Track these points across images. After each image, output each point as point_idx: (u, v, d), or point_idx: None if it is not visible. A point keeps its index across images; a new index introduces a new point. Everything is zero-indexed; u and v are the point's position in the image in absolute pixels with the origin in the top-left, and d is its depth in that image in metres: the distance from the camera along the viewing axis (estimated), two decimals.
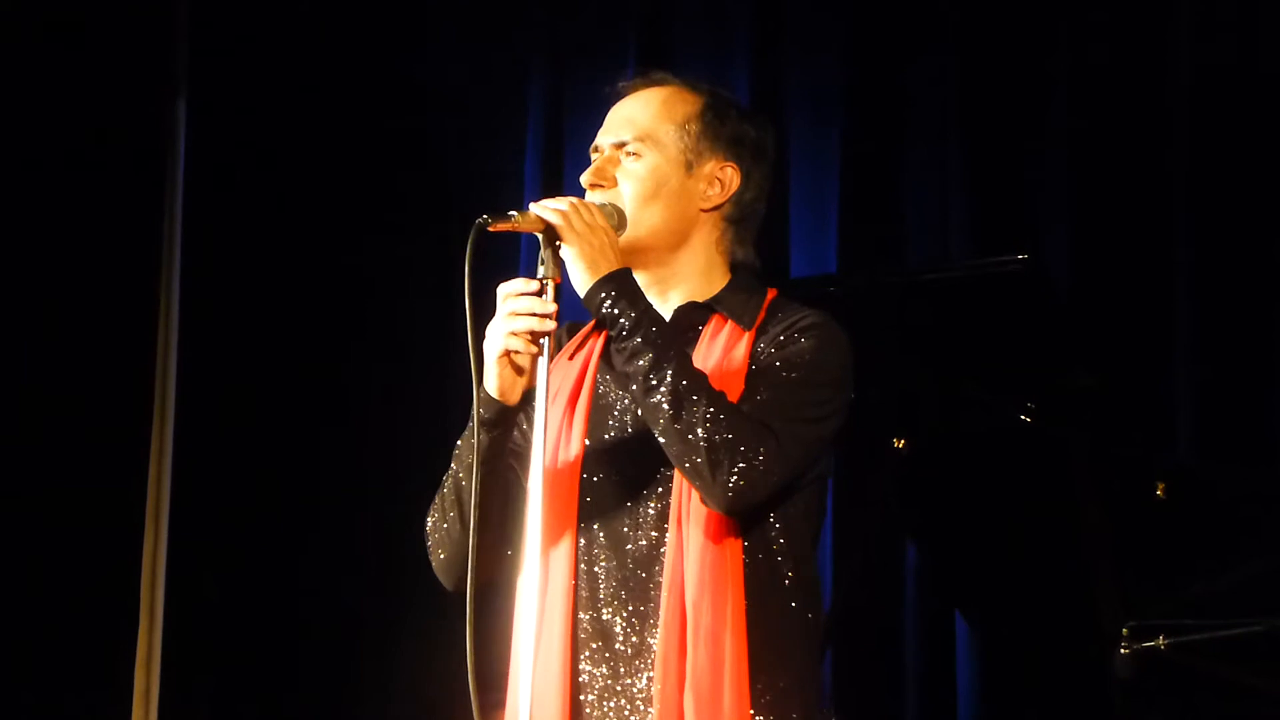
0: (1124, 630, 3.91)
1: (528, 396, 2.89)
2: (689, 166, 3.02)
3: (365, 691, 5.26)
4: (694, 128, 3.03)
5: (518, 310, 2.83)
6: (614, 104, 3.09)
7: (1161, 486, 3.90)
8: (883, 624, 4.96)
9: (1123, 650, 3.90)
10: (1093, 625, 3.96)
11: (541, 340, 2.82)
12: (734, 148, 3.04)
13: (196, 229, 5.38)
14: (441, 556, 3.00)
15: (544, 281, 2.83)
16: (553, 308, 2.82)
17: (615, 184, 3.00)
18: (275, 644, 5.32)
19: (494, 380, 2.87)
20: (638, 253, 2.98)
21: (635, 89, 3.08)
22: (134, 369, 5.30)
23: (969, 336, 4.03)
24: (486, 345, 2.86)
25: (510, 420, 2.91)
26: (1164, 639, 3.89)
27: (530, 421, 2.93)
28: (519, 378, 2.88)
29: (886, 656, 4.99)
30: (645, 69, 3.17)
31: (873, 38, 5.17)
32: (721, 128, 3.04)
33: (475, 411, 2.85)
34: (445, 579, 3.01)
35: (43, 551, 5.10)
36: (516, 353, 2.85)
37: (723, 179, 3.03)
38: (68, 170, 5.21)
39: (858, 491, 4.67)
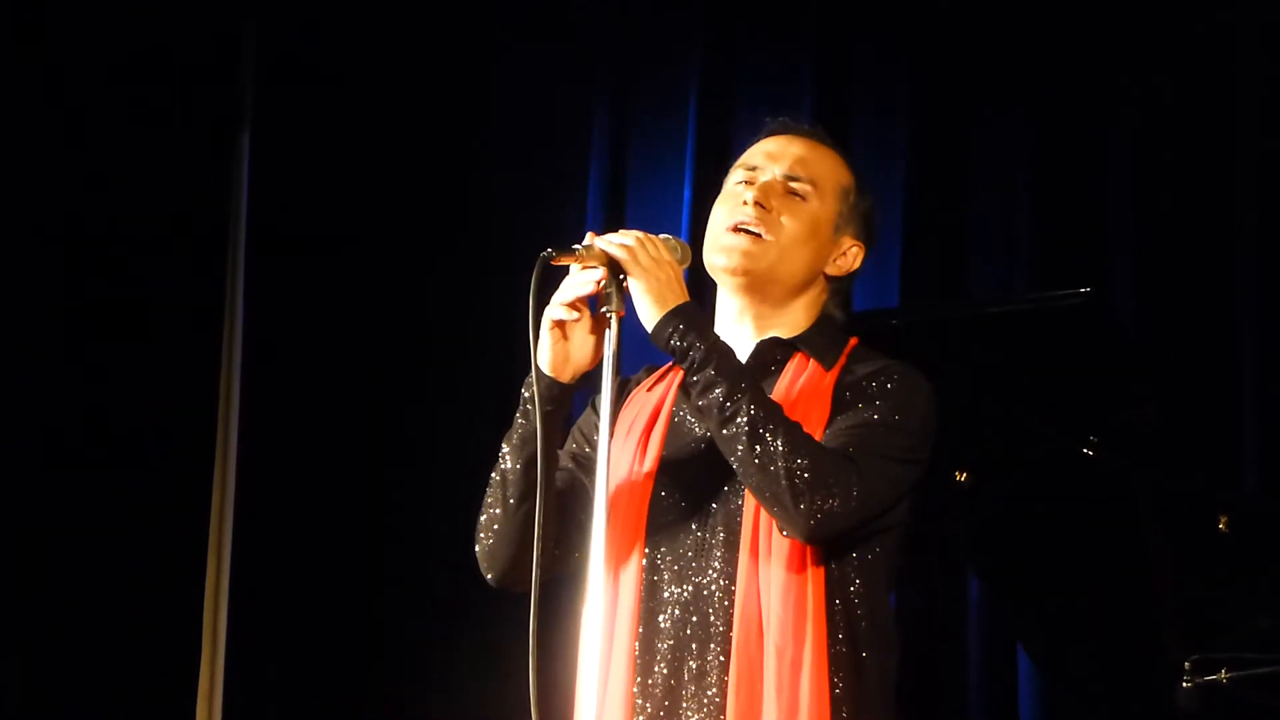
0: (1187, 663, 3.90)
1: (584, 379, 2.94)
2: (836, 230, 3.08)
3: None
4: (851, 199, 3.10)
5: (570, 283, 2.89)
6: (774, 134, 3.14)
7: (1224, 520, 3.88)
8: (946, 658, 4.95)
9: (1185, 683, 3.89)
10: (1156, 658, 3.95)
11: (604, 311, 2.86)
12: (865, 229, 3.12)
13: (260, 260, 5.44)
14: (484, 540, 3.01)
15: (607, 313, 2.87)
16: (599, 273, 2.86)
17: (775, 212, 3.04)
18: (340, 673, 5.34)
19: (545, 353, 2.92)
20: (760, 285, 3.02)
21: (801, 133, 3.14)
22: (198, 393, 5.34)
23: (1033, 369, 4.02)
24: (542, 322, 2.90)
25: (562, 400, 2.94)
26: (1227, 672, 3.88)
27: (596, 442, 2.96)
28: (569, 352, 2.92)
29: (949, 690, 4.98)
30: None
31: (940, 72, 5.19)
32: (862, 207, 3.12)
33: (524, 388, 2.92)
34: (487, 567, 3.02)
35: (105, 582, 5.14)
36: (563, 322, 2.89)
37: (851, 254, 3.10)
38: (135, 194, 5.29)
39: (919, 525, 4.66)
